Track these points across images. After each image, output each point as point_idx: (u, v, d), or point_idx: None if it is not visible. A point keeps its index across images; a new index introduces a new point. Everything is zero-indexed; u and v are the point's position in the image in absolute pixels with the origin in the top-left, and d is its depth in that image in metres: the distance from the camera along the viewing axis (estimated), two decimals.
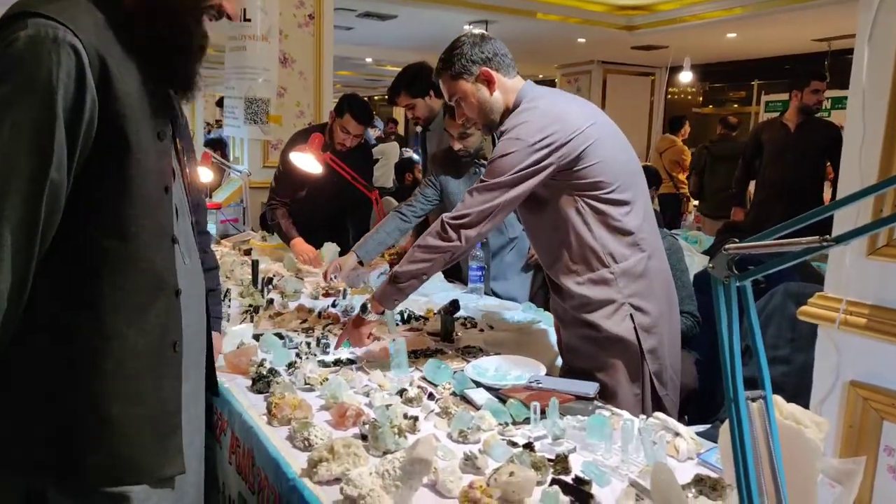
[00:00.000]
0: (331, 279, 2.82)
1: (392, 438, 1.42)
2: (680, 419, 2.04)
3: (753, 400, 0.93)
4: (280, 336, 2.17)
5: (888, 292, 1.32)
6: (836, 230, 1.37)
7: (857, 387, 1.37)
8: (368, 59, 12.80)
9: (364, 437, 1.48)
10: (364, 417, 1.55)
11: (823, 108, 5.86)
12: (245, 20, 4.63)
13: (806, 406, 1.55)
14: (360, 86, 17.62)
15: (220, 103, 8.03)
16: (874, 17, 1.33)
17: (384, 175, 7.54)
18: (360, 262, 2.83)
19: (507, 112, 1.93)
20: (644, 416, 1.55)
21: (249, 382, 1.81)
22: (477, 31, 1.95)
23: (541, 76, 14.28)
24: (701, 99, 12.90)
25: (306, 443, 1.45)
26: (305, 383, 1.80)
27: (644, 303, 1.84)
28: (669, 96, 12.26)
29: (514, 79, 1.95)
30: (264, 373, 1.81)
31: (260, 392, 1.75)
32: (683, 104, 12.56)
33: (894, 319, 1.30)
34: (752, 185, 5.24)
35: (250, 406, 1.69)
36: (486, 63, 1.90)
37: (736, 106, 12.39)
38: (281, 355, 1.97)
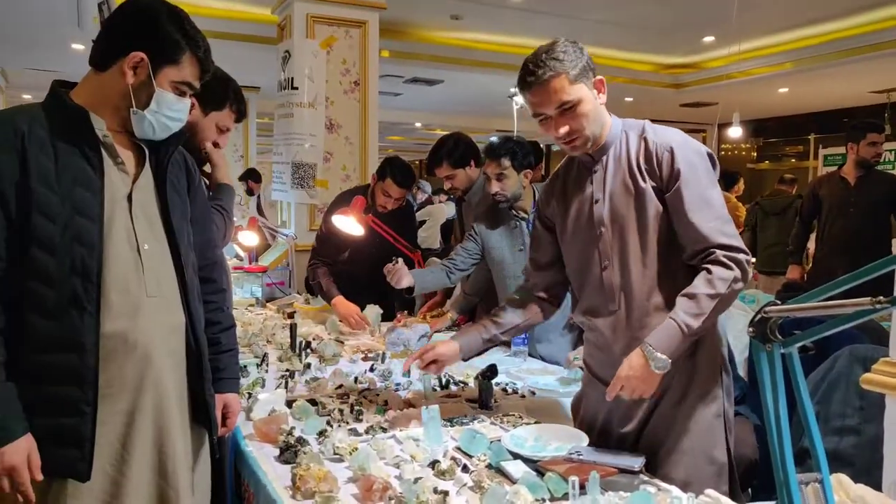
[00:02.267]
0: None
1: None
2: (742, 492, 1.89)
3: (807, 484, 0.82)
4: (314, 402, 2.11)
5: None
6: None
7: None
8: (418, 124, 13.07)
9: None
10: (390, 492, 1.46)
11: (885, 160, 5.66)
12: (293, 88, 4.77)
13: (877, 484, 1.40)
14: (410, 149, 17.97)
15: (241, 178, 8.17)
16: None
17: (431, 236, 7.54)
18: (409, 290, 2.89)
19: (602, 132, 1.77)
20: (693, 494, 1.42)
21: (277, 452, 1.75)
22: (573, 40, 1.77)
23: None
24: (755, 154, 12.68)
25: None
26: (334, 453, 1.73)
27: None
28: (723, 153, 12.09)
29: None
30: (292, 442, 1.75)
31: (287, 462, 1.69)
32: (737, 160, 12.36)
33: None
34: (810, 242, 5.04)
35: (276, 477, 1.62)
36: (595, 71, 1.74)
37: (793, 160, 12.14)
38: (312, 423, 1.91)
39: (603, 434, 1.87)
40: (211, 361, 1.67)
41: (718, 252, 1.64)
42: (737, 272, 1.63)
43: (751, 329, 0.87)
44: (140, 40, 1.44)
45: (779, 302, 0.85)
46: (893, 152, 7.95)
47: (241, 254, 5.15)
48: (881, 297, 0.75)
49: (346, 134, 5.06)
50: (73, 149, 1.40)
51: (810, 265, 5.05)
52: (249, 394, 2.16)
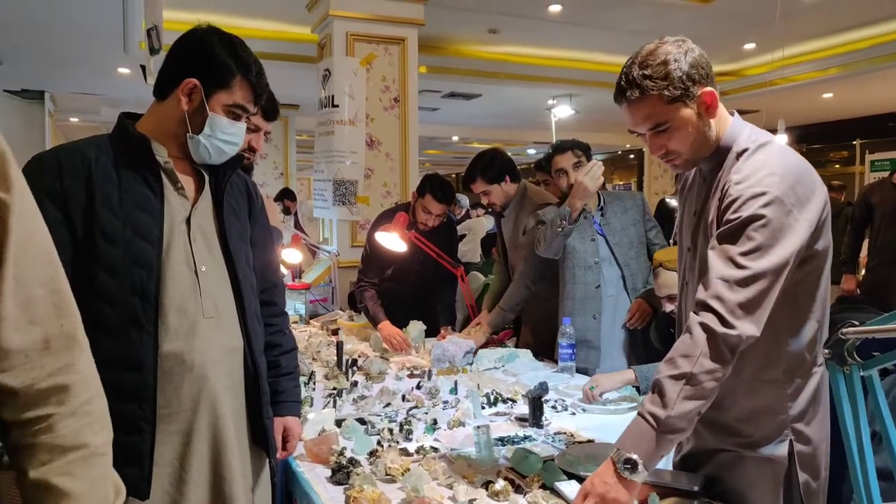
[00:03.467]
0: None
1: None
2: None
3: None
4: (363, 421, 2.11)
5: None
6: None
7: None
8: (455, 138, 13.12)
9: None
10: None
11: None
12: (333, 106, 4.83)
13: None
14: (448, 163, 18.05)
15: (276, 198, 8.29)
16: None
17: (471, 250, 7.54)
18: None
19: (713, 148, 1.53)
20: None
21: (329, 472, 1.75)
22: (674, 38, 1.48)
23: (628, 146, 14.20)
24: None
25: None
26: (386, 474, 1.72)
27: None
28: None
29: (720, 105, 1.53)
30: (344, 462, 1.75)
31: (339, 483, 1.69)
32: None
33: None
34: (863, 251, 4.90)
35: (329, 499, 1.61)
36: (708, 81, 1.47)
37: (838, 167, 11.87)
38: (363, 443, 1.91)
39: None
40: (271, 384, 1.69)
41: (693, 314, 1.38)
42: (702, 346, 1.32)
43: (826, 351, 0.84)
44: (193, 67, 1.49)
45: (856, 323, 0.81)
46: None
47: (285, 271, 5.20)
48: None
49: (387, 150, 5.10)
50: (136, 175, 1.46)
51: (863, 275, 4.91)
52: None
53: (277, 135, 9.83)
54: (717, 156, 1.53)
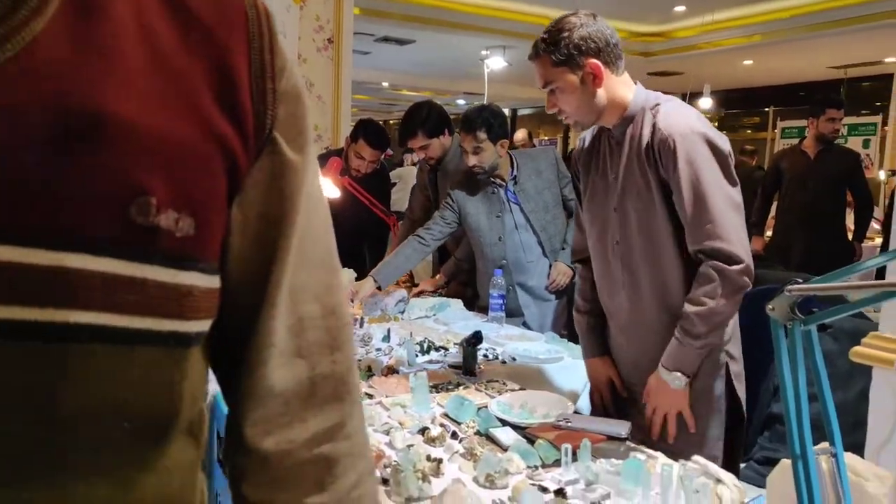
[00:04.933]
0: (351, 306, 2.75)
1: (416, 484, 1.34)
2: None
3: (818, 455, 0.85)
4: None
5: None
6: (891, 269, 1.30)
7: None
8: (385, 84, 12.87)
9: (385, 481, 1.40)
10: (385, 460, 1.47)
11: (840, 135, 5.81)
12: None
13: (847, 447, 1.47)
14: (377, 110, 17.73)
15: None
16: None
17: (401, 199, 7.48)
18: (379, 288, 2.77)
19: (606, 114, 1.73)
20: (683, 461, 1.46)
21: None
22: (588, 11, 1.70)
23: None
24: (717, 124, 12.86)
25: None
26: None
27: None
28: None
29: (623, 76, 1.73)
30: None
31: None
32: None
33: None
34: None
35: None
36: (596, 55, 1.66)
37: (750, 132, 12.35)
38: None
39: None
40: None
41: (704, 259, 1.62)
42: (716, 286, 1.59)
43: (770, 307, 0.88)
44: None
45: (800, 280, 0.86)
46: (847, 127, 8.15)
47: None
48: None
49: (319, 93, 4.95)
50: None
51: (769, 236, 5.17)
52: None
53: None
54: (626, 121, 1.73)
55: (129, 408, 0.48)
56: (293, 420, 0.58)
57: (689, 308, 1.64)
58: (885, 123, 8.88)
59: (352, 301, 2.72)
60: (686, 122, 1.64)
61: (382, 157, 3.53)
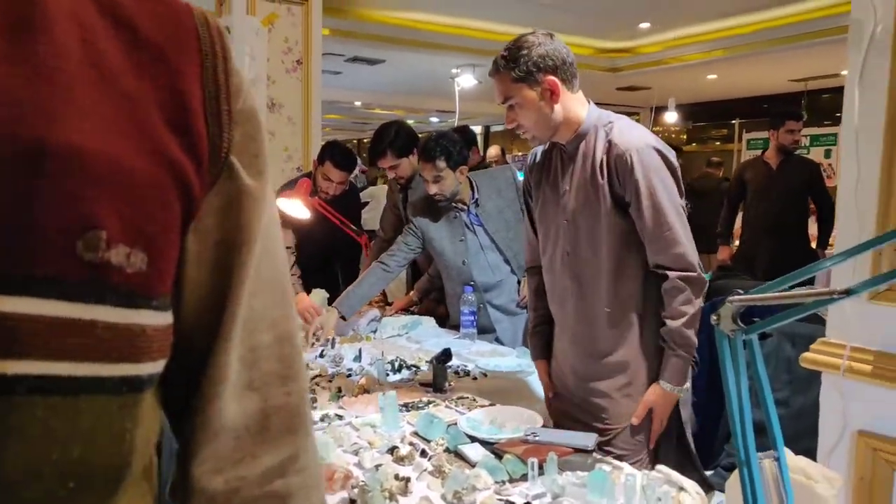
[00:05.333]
0: (313, 342, 2.69)
1: (383, 503, 1.35)
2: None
3: (762, 460, 0.88)
4: None
5: (894, 337, 1.29)
6: (836, 276, 1.35)
7: (867, 437, 1.33)
8: (357, 103, 12.89)
9: (352, 502, 1.41)
10: (353, 480, 1.47)
11: (802, 145, 5.95)
12: None
13: (804, 451, 1.50)
14: (349, 129, 17.74)
15: None
16: (864, 57, 1.32)
17: (373, 218, 7.49)
18: (343, 318, 2.76)
19: (561, 130, 1.80)
20: (647, 471, 1.49)
21: None
22: (545, 31, 1.79)
23: None
24: (685, 137, 13.07)
25: None
26: None
27: None
28: (656, 135, 12.41)
29: (578, 94, 1.82)
30: None
31: None
32: (669, 143, 12.67)
33: None
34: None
35: None
36: (553, 72, 1.75)
37: (718, 144, 12.55)
38: None
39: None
40: None
41: (671, 274, 1.73)
42: (688, 293, 1.72)
43: (714, 317, 0.91)
44: None
45: (741, 292, 0.89)
46: (809, 137, 8.34)
47: None
48: (836, 290, 0.81)
49: (289, 114, 4.97)
50: None
51: (737, 246, 5.27)
52: None
53: None
54: (579, 137, 1.80)
55: (77, 464, 0.43)
56: (244, 456, 0.54)
57: (672, 324, 1.73)
58: None
59: (317, 337, 2.68)
60: (640, 137, 1.74)
61: (358, 171, 3.56)
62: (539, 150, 1.98)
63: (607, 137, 1.76)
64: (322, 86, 5.24)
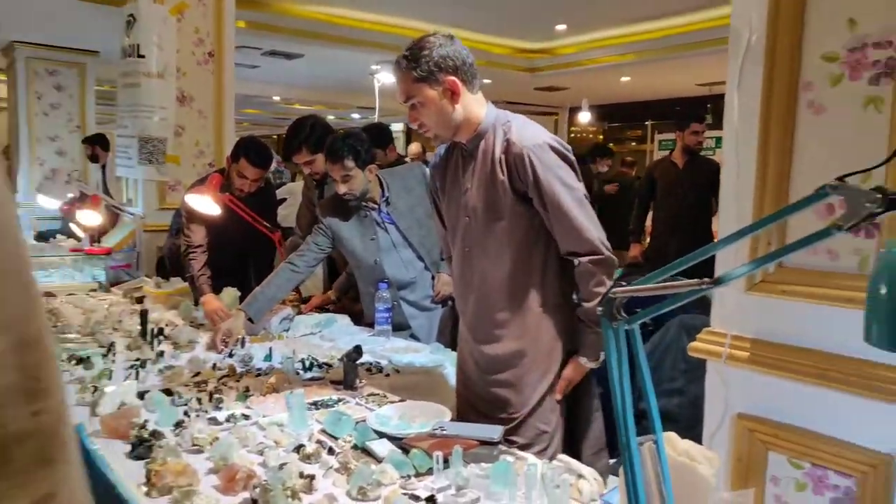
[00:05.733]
0: (222, 349, 2.59)
1: (284, 502, 1.33)
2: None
3: (643, 444, 0.92)
4: (169, 392, 2.03)
5: (767, 326, 1.38)
6: (719, 267, 1.42)
7: (744, 419, 1.41)
8: (276, 98, 12.66)
9: (255, 502, 1.39)
10: (255, 480, 1.45)
11: (708, 147, 6.23)
12: (139, 56, 4.46)
13: (699, 436, 1.58)
14: (268, 124, 17.40)
15: (85, 141, 7.68)
16: (741, 64, 1.41)
17: (292, 214, 7.37)
18: (251, 320, 2.71)
19: (462, 129, 1.85)
20: (548, 459, 1.53)
21: (129, 448, 1.66)
22: (446, 33, 1.83)
23: None
24: (601, 137, 13.45)
25: None
26: (193, 445, 1.67)
27: None
28: (572, 135, 12.73)
29: (478, 94, 1.86)
30: (146, 436, 1.67)
31: (140, 458, 1.60)
32: (586, 142, 13.05)
33: (773, 352, 1.36)
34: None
35: (127, 475, 1.53)
36: (454, 72, 1.79)
37: (634, 144, 12.99)
38: (167, 414, 1.84)
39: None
40: None
41: (583, 259, 1.81)
42: (600, 275, 1.81)
43: (600, 309, 0.95)
44: None
45: (624, 283, 0.93)
46: (715, 139, 8.73)
47: (81, 234, 4.81)
48: (707, 279, 0.85)
49: (200, 107, 4.83)
50: None
51: (648, 243, 5.47)
52: (95, 387, 2.02)
53: (72, 83, 8.90)
54: (479, 136, 1.85)
55: None
56: None
57: (588, 305, 1.83)
58: None
59: (226, 343, 2.61)
60: (536, 136, 1.81)
61: (279, 167, 3.49)
62: (442, 148, 2.02)
63: (506, 136, 1.82)
64: (238, 79, 5.12)
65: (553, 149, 1.80)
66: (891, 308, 0.67)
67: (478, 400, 2.00)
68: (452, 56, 1.78)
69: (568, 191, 1.79)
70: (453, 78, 1.78)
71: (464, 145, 1.90)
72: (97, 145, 7.42)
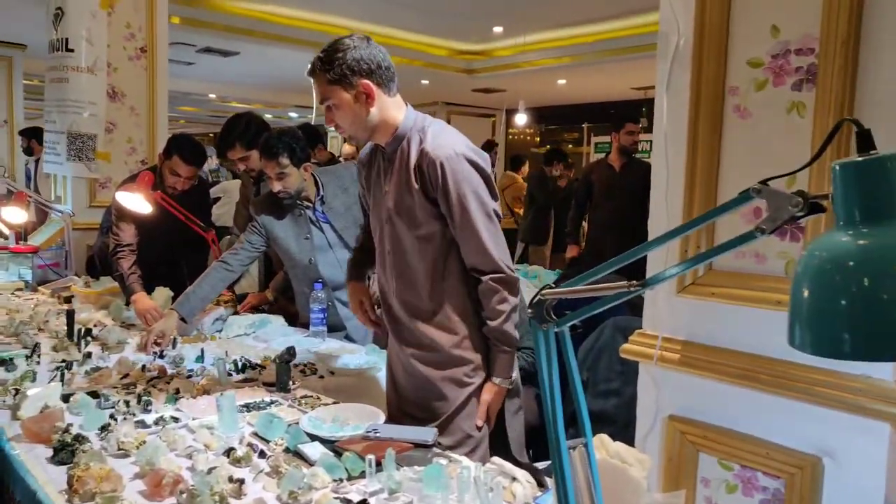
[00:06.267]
0: (153, 352, 2.49)
1: None
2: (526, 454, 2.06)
3: (574, 448, 0.93)
4: (95, 395, 1.95)
5: (697, 328, 1.41)
6: (650, 269, 1.45)
7: (675, 421, 1.44)
8: (212, 95, 12.38)
9: None
10: (182, 485, 1.41)
11: (644, 150, 6.38)
12: (68, 50, 4.29)
13: (633, 437, 1.61)
14: (204, 121, 17.00)
15: (22, 133, 7.38)
16: (669, 67, 1.44)
17: (227, 213, 7.20)
18: (184, 320, 2.63)
19: (379, 132, 1.83)
20: (481, 464, 1.53)
21: (51, 452, 1.60)
22: (362, 35, 1.79)
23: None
24: (538, 139, 13.63)
25: None
26: (119, 449, 1.62)
27: None
28: (510, 137, 12.86)
29: (395, 97, 1.83)
30: (68, 440, 1.61)
31: (62, 463, 1.54)
32: (523, 144, 13.21)
33: (703, 354, 1.39)
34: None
35: (48, 481, 1.47)
36: (369, 75, 1.76)
37: (571, 146, 13.19)
38: (93, 417, 1.77)
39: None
40: None
41: (483, 277, 1.81)
42: (503, 293, 1.81)
43: (530, 311, 0.95)
44: None
45: (553, 286, 0.94)
46: (650, 143, 8.97)
47: (6, 232, 4.60)
48: (634, 282, 0.87)
49: (132, 104, 4.68)
50: None
51: (584, 244, 5.56)
52: (17, 390, 1.94)
53: None
54: (397, 139, 1.84)
55: None
56: None
57: (493, 323, 1.82)
58: None
59: (158, 344, 2.51)
60: (451, 145, 1.78)
61: (216, 164, 3.41)
62: (367, 147, 2.01)
63: (421, 144, 1.80)
64: (172, 76, 4.99)
65: (468, 160, 1.78)
66: (812, 311, 0.67)
67: (404, 402, 1.99)
68: (367, 59, 1.75)
69: (478, 205, 1.77)
70: (367, 81, 1.75)
71: (383, 148, 1.89)
72: (33, 139, 7.13)
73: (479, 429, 1.90)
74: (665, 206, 1.43)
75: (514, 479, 1.48)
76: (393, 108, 1.83)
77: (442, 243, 1.83)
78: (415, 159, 1.79)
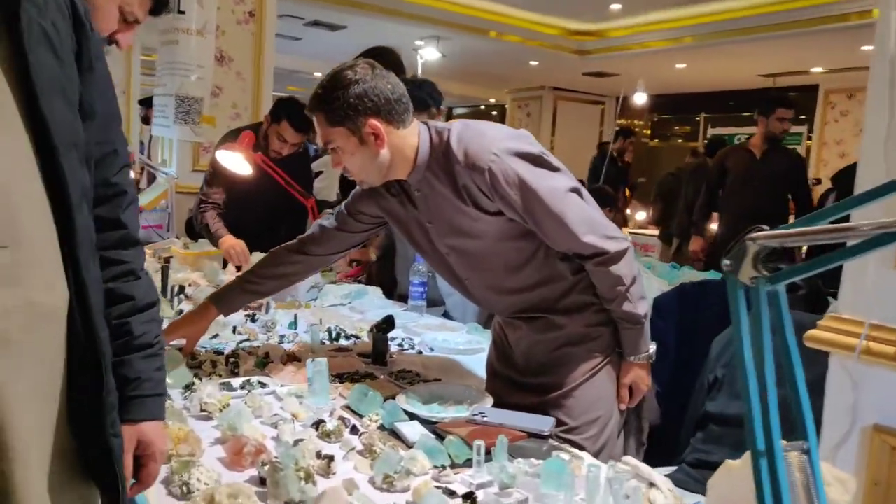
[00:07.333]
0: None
1: (296, 485, 1.11)
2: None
3: (790, 451, 0.66)
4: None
5: None
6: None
7: (883, 432, 1.11)
8: (317, 74, 12.50)
9: (262, 482, 1.17)
10: (264, 456, 1.23)
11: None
12: (179, 12, 4.29)
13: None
14: None
15: (142, 102, 7.60)
16: None
17: (327, 188, 7.19)
18: None
19: (395, 169, 1.58)
20: (612, 461, 1.28)
21: None
22: (366, 61, 1.55)
23: (492, 100, 14.23)
24: (649, 132, 12.99)
25: (184, 488, 1.13)
26: (202, 410, 1.48)
27: None
28: (617, 129, 12.33)
29: (410, 127, 1.57)
30: None
31: None
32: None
33: None
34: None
35: None
36: (375, 114, 1.50)
37: (680, 141, 12.51)
38: (178, 375, 1.64)
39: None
40: (116, 368, 0.96)
41: (586, 263, 1.59)
42: (611, 274, 1.56)
43: (727, 263, 0.69)
44: None
45: (765, 227, 0.68)
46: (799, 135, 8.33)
47: None
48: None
49: (238, 69, 4.66)
50: None
51: (715, 237, 5.04)
52: None
53: (116, 50, 8.82)
54: (418, 170, 1.57)
55: None
56: None
57: (613, 308, 1.61)
58: (810, 133, 9.14)
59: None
60: (486, 148, 1.51)
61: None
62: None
63: (454, 164, 1.53)
64: (279, 53, 4.95)
65: (512, 153, 1.51)
66: None
67: (515, 380, 1.75)
68: (372, 94, 1.49)
69: (548, 191, 1.51)
70: (374, 121, 1.50)
71: (407, 182, 1.63)
72: (151, 108, 7.38)
73: (621, 412, 1.69)
74: (883, 154, 1.10)
75: (651, 484, 1.22)
76: (408, 139, 1.57)
77: (525, 231, 1.59)
78: (455, 179, 1.54)
